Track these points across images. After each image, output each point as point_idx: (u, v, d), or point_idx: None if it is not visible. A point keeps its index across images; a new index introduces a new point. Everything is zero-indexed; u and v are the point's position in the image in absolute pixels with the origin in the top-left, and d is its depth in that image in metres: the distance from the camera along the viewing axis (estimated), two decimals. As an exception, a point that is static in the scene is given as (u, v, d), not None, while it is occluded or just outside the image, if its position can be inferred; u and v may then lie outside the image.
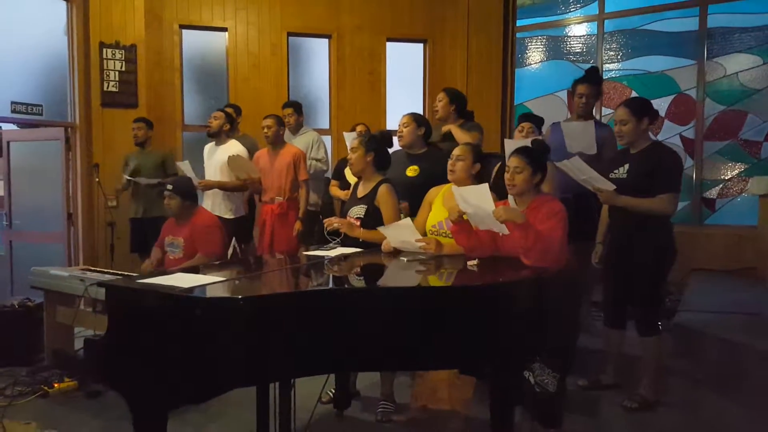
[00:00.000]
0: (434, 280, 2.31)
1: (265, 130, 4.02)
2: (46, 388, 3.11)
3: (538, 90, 6.20)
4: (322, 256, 2.53)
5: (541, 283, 2.08)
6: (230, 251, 4.26)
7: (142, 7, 5.27)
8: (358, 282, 2.30)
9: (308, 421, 2.59)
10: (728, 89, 5.42)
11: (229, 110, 4.67)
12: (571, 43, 6.12)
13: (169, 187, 3.40)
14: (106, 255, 4.91)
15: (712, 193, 5.49)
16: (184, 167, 4.23)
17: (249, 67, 5.71)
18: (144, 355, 1.74)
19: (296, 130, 4.56)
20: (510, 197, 2.43)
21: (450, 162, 2.66)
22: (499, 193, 2.50)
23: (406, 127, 3.30)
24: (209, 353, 1.67)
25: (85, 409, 2.97)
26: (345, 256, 2.55)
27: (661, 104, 5.67)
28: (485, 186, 2.24)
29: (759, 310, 3.64)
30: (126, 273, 3.32)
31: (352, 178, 3.33)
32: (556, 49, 6.19)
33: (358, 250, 2.69)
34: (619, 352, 3.17)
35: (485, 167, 2.71)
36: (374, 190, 2.84)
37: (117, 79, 5.21)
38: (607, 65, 5.91)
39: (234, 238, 4.37)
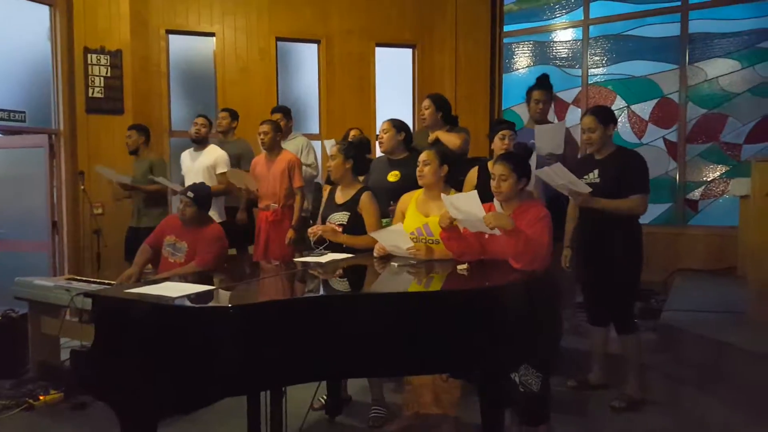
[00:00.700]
0: (424, 286, 2.32)
1: (261, 136, 4.00)
2: (31, 400, 3.06)
3: (524, 96, 6.25)
4: (313, 263, 2.53)
5: (529, 286, 2.11)
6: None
7: (127, 12, 5.23)
8: (348, 288, 2.30)
9: (300, 428, 2.59)
10: (709, 93, 5.52)
11: (224, 114, 4.65)
12: (557, 48, 6.19)
13: (190, 194, 3.31)
14: (92, 264, 4.85)
15: (695, 194, 5.57)
16: (162, 181, 4.22)
17: (237, 72, 5.69)
18: (132, 365, 1.73)
19: (285, 135, 4.55)
20: (496, 202, 2.46)
21: (418, 168, 2.69)
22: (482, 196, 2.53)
23: (386, 133, 3.32)
24: (199, 363, 1.66)
25: (71, 421, 2.93)
26: (335, 263, 2.56)
27: (644, 108, 5.76)
28: (474, 193, 2.27)
29: (741, 309, 3.70)
30: (113, 282, 3.29)
31: None
32: (543, 54, 6.25)
33: (349, 256, 2.69)
34: (605, 352, 3.23)
35: (454, 169, 2.76)
36: (355, 198, 2.86)
37: (102, 84, 5.16)
38: (592, 70, 5.99)
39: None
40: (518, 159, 2.44)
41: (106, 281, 3.42)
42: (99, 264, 4.75)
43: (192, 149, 4.40)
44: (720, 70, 5.47)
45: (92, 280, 3.56)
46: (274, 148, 4.03)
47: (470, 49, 5.90)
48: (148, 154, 4.62)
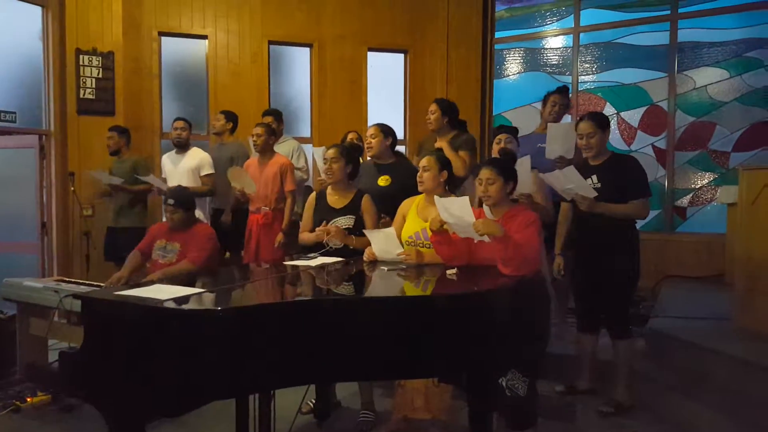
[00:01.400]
0: (414, 290, 2.33)
1: (254, 138, 4.01)
2: (18, 402, 3.04)
3: (516, 101, 6.30)
4: (304, 266, 2.53)
5: (518, 292, 2.13)
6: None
7: (120, 13, 5.22)
8: (337, 292, 2.31)
9: (288, 431, 2.59)
10: (698, 101, 5.59)
11: (219, 116, 4.66)
12: (548, 55, 6.25)
13: (171, 201, 3.34)
14: (81, 265, 4.82)
15: (683, 201, 5.63)
16: (151, 180, 4.22)
17: (229, 75, 5.69)
18: (121, 367, 1.73)
19: (276, 138, 4.54)
20: (485, 207, 2.48)
21: (418, 174, 2.71)
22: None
23: (374, 138, 3.33)
24: (187, 365, 1.66)
25: (59, 423, 2.91)
26: (325, 266, 2.57)
27: (634, 115, 5.82)
28: (466, 198, 2.29)
29: (728, 316, 3.74)
30: (102, 284, 3.27)
31: None
32: (534, 61, 6.31)
33: (339, 259, 2.70)
34: (593, 358, 3.24)
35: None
36: (356, 201, 2.87)
37: (93, 86, 5.14)
38: (582, 77, 6.05)
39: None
40: (503, 163, 2.48)
41: (96, 283, 3.41)
42: (88, 266, 4.73)
43: (173, 152, 4.45)
44: (708, 79, 5.55)
45: (81, 281, 3.55)
46: (266, 151, 4.05)
47: (462, 55, 5.94)
48: (131, 154, 4.64)
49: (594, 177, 2.95)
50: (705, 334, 3.41)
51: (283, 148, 4.52)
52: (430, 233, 2.53)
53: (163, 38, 5.59)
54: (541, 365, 2.47)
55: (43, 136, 5.02)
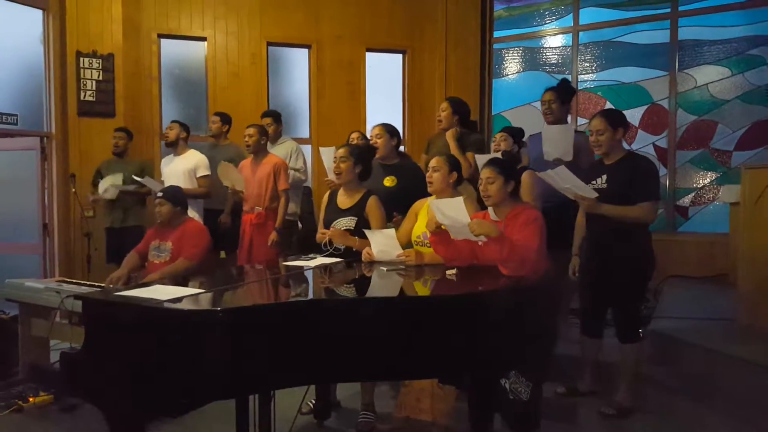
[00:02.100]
0: (413, 290, 2.33)
1: (247, 139, 4.03)
2: (20, 402, 3.04)
3: (515, 100, 6.31)
4: (302, 267, 2.53)
5: (518, 293, 2.11)
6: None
7: (119, 16, 5.24)
8: (337, 292, 2.31)
9: (288, 432, 2.59)
10: (699, 100, 5.58)
11: (215, 119, 4.68)
12: (547, 54, 6.25)
13: (160, 194, 3.39)
14: (82, 266, 4.83)
15: (685, 201, 5.63)
16: (148, 182, 4.23)
17: (228, 76, 5.70)
18: (121, 367, 1.73)
19: (275, 139, 4.57)
20: (490, 208, 2.47)
21: (428, 174, 2.70)
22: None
23: (380, 138, 3.33)
24: (187, 366, 1.66)
25: (60, 423, 2.92)
26: (324, 266, 2.57)
27: (634, 114, 5.81)
28: (460, 199, 2.29)
29: (731, 316, 3.73)
30: (103, 285, 3.28)
31: None
32: (533, 60, 6.31)
33: (338, 260, 2.70)
34: (595, 360, 3.21)
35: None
36: (362, 202, 2.86)
37: (94, 88, 5.15)
38: (582, 76, 6.05)
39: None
40: (504, 162, 2.46)
41: (97, 284, 3.42)
42: (89, 267, 4.74)
43: (172, 154, 4.46)
44: (710, 77, 5.54)
45: (82, 282, 3.55)
46: (259, 151, 4.06)
47: (460, 55, 5.94)
48: (134, 156, 4.68)
49: (604, 177, 2.88)
50: (708, 335, 3.39)
51: (282, 148, 4.53)
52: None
53: (163, 40, 5.60)
54: (547, 370, 2.44)
55: (45, 138, 5.04)
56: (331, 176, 3.03)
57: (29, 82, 5.08)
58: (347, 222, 2.85)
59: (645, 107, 5.78)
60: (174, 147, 4.41)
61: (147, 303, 1.75)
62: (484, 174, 2.39)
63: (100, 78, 5.16)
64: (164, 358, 1.68)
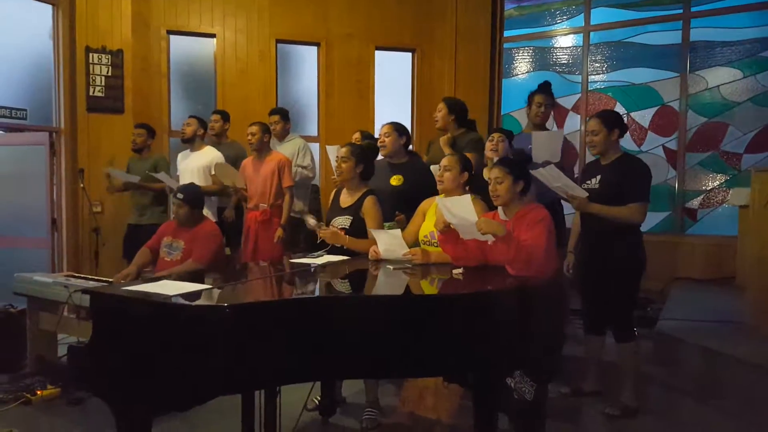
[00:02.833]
0: (419, 289, 2.33)
1: (250, 137, 4.04)
2: (28, 395, 3.06)
3: (525, 100, 6.26)
4: (309, 264, 2.54)
5: (525, 293, 2.10)
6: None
7: (129, 12, 5.25)
8: (343, 290, 2.31)
9: (294, 428, 2.59)
10: (710, 102, 5.54)
11: (216, 117, 4.69)
12: (558, 54, 6.22)
13: (180, 195, 3.38)
14: (90, 261, 4.86)
15: (694, 203, 5.59)
16: (163, 178, 4.24)
17: (237, 73, 5.71)
18: (128, 362, 1.74)
19: (283, 137, 4.57)
20: (499, 208, 2.46)
21: (438, 173, 2.69)
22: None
23: (388, 137, 3.32)
24: (194, 361, 1.67)
25: (67, 416, 2.93)
26: (331, 264, 2.57)
27: (644, 115, 5.78)
28: (467, 197, 2.28)
29: (738, 319, 3.71)
30: (111, 279, 3.30)
31: None
32: (543, 60, 6.28)
33: (345, 257, 2.70)
34: (600, 359, 3.22)
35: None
36: (359, 201, 2.87)
37: (103, 84, 5.17)
38: (593, 76, 6.02)
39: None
40: (514, 162, 2.45)
41: (105, 278, 3.44)
42: (97, 261, 4.76)
43: (188, 150, 4.44)
44: (721, 79, 5.50)
45: (90, 277, 3.58)
46: (262, 149, 4.06)
47: (470, 54, 5.92)
48: (151, 153, 4.67)
49: (597, 177, 2.93)
50: (715, 337, 3.38)
51: (289, 146, 4.53)
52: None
53: (172, 36, 5.62)
54: (553, 370, 2.43)
55: (53, 133, 5.06)
56: (336, 174, 3.06)
57: (38, 77, 5.11)
58: (342, 221, 2.87)
59: (655, 108, 5.75)
60: (191, 143, 4.39)
61: (155, 298, 1.76)
62: (493, 174, 2.38)
63: (109, 74, 5.18)
64: (171, 353, 1.68)
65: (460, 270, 2.35)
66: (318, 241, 2.88)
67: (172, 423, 2.74)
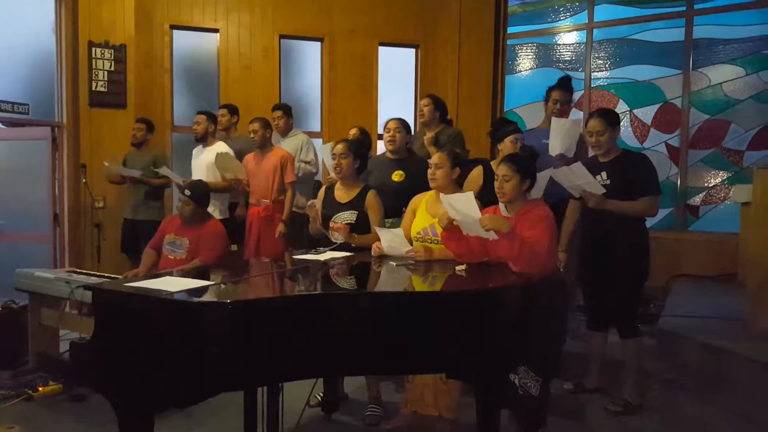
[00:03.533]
0: (422, 285, 2.33)
1: (252, 135, 4.03)
2: (30, 391, 3.07)
3: (528, 97, 6.26)
4: (312, 260, 2.53)
5: (528, 290, 2.10)
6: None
7: (132, 6, 5.23)
8: (346, 286, 2.31)
9: (296, 424, 2.60)
10: (712, 99, 5.52)
11: (223, 111, 4.67)
12: (561, 51, 6.19)
13: (187, 192, 3.37)
14: (92, 256, 4.86)
15: (696, 200, 5.58)
16: (168, 173, 4.23)
17: (240, 69, 5.70)
18: (130, 358, 1.74)
19: (285, 132, 4.56)
20: (501, 205, 2.46)
21: (430, 171, 2.69)
22: (488, 197, 2.53)
23: (399, 133, 3.33)
24: (196, 357, 1.67)
25: (69, 412, 2.94)
26: (334, 261, 2.56)
27: (647, 113, 5.76)
28: (470, 194, 2.27)
29: (740, 316, 3.70)
30: (113, 275, 3.30)
31: None
32: (546, 56, 6.26)
33: (348, 254, 2.70)
34: (602, 356, 3.23)
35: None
36: (361, 196, 2.87)
37: (106, 78, 5.17)
38: (596, 73, 6.00)
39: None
40: (523, 160, 2.44)
41: (107, 274, 3.44)
42: (99, 257, 4.77)
43: (201, 145, 4.42)
44: (724, 76, 5.48)
45: (92, 272, 3.58)
46: (265, 145, 4.06)
47: (473, 50, 5.90)
48: (151, 148, 4.66)
49: (603, 174, 2.93)
50: (717, 334, 3.38)
51: (292, 142, 4.52)
52: (439, 229, 2.52)
53: (175, 32, 5.60)
54: (556, 367, 2.44)
55: (56, 128, 5.06)
56: (332, 173, 3.03)
57: (41, 71, 5.10)
58: (348, 216, 2.86)
59: (658, 106, 5.73)
60: (203, 140, 4.35)
61: (157, 294, 1.75)
62: (501, 171, 2.37)
63: (112, 68, 5.17)
64: (173, 349, 1.68)
65: (463, 266, 2.35)
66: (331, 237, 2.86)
67: (174, 419, 2.74)
